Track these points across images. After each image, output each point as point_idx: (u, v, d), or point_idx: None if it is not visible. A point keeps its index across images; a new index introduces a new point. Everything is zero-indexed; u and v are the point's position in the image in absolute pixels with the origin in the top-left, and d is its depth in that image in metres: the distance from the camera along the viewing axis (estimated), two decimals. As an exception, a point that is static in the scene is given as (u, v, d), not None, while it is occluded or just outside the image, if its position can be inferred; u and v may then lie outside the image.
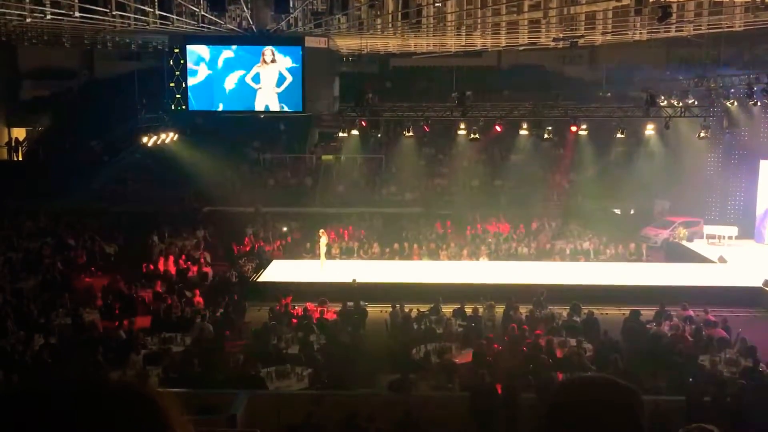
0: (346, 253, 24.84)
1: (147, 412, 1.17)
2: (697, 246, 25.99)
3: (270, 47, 17.21)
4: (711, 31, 16.94)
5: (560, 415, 1.75)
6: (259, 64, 17.42)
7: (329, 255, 22.81)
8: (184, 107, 17.67)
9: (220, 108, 18.17)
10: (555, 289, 18.84)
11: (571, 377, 1.86)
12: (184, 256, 23.25)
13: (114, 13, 10.86)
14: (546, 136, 25.60)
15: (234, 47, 17.53)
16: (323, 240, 22.14)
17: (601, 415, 1.72)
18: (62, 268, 21.82)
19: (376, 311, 17.95)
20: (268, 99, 17.82)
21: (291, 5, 13.99)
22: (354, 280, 19.66)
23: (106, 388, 1.19)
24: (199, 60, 17.62)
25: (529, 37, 17.91)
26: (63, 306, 17.67)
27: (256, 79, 17.60)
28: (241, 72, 17.59)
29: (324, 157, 33.53)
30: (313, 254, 23.85)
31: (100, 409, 1.14)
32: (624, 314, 17.10)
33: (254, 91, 17.69)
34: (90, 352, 13.76)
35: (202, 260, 23.01)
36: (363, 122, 25.03)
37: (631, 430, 1.73)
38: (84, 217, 27.51)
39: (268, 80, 17.57)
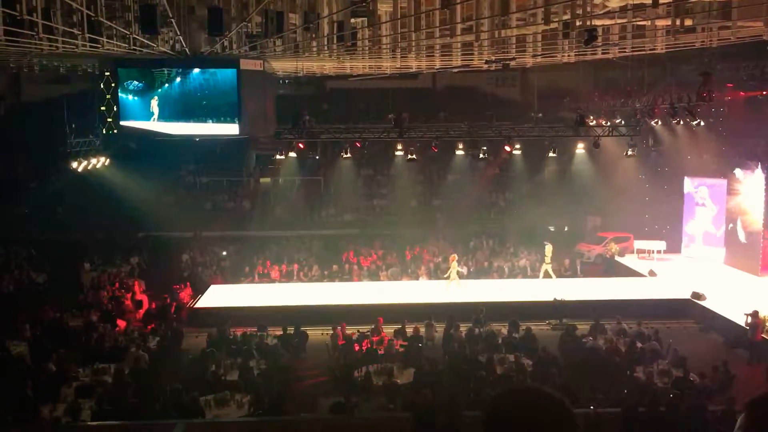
0: (286, 276, 24.63)
1: None
2: (628, 260, 26.81)
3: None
4: (635, 53, 17.60)
5: (496, 424, 1.76)
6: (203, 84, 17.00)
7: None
8: (115, 131, 17.22)
9: (157, 128, 17.54)
10: (494, 307, 19.08)
11: (506, 388, 1.87)
12: (117, 284, 22.60)
13: (41, 35, 10.53)
14: (481, 156, 26.07)
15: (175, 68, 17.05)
16: (454, 263, 22.28)
17: (537, 425, 1.73)
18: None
19: (317, 334, 17.81)
20: (211, 119, 17.40)
21: (225, 28, 13.85)
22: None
23: None
24: (138, 78, 17.10)
25: (462, 60, 18.24)
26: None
27: (198, 98, 17.14)
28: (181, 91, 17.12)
29: (262, 179, 33.27)
30: (253, 278, 24.12)
31: None
32: (561, 329, 17.43)
33: (198, 111, 17.21)
34: (19, 387, 13.17)
35: (136, 288, 22.41)
36: (300, 144, 24.98)
37: None
38: (11, 246, 26.48)
39: (212, 100, 17.18)
